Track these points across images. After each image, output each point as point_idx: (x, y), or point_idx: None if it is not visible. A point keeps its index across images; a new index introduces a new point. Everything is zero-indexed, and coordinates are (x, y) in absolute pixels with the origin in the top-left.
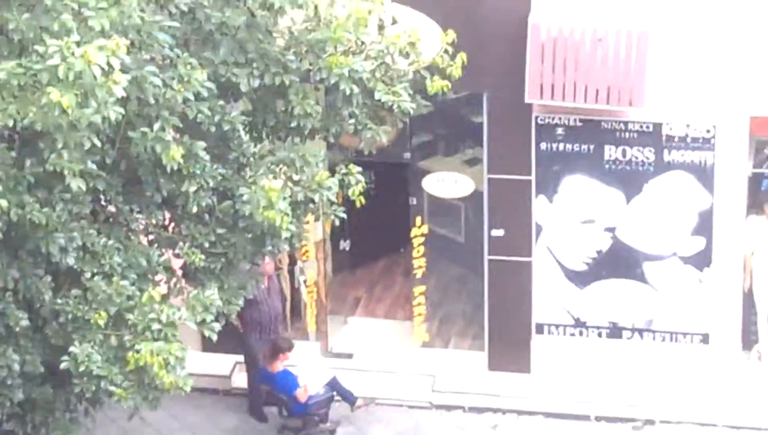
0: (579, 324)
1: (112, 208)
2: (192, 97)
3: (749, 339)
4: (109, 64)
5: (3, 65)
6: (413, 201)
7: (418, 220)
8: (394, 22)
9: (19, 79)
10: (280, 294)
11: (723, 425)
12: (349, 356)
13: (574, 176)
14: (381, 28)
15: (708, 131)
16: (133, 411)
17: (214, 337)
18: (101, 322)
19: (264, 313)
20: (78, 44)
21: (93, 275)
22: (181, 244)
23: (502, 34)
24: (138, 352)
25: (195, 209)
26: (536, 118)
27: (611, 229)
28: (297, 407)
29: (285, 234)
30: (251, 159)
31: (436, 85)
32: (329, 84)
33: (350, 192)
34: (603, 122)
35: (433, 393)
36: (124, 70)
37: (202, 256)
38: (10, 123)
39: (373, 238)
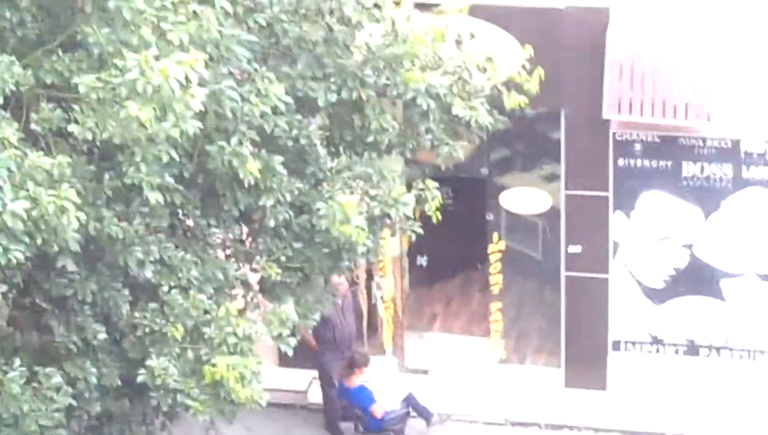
0: (656, 341)
1: (189, 222)
2: (269, 112)
3: None
4: (187, 78)
5: (82, 79)
6: (490, 217)
7: (495, 236)
8: (472, 37)
9: (98, 92)
10: (354, 312)
11: None
12: (425, 372)
13: (651, 192)
14: (458, 43)
15: None
16: (209, 425)
17: (290, 352)
18: (178, 336)
19: (338, 331)
20: (156, 58)
21: (170, 289)
22: (257, 258)
23: (580, 50)
24: (214, 365)
25: (272, 223)
26: (614, 134)
27: (689, 246)
28: (373, 423)
29: (361, 249)
30: (328, 174)
31: (513, 100)
32: (406, 99)
33: (426, 207)
34: (681, 138)
35: (509, 409)
36: (202, 84)
37: (279, 271)
38: (89, 136)
39: (450, 254)
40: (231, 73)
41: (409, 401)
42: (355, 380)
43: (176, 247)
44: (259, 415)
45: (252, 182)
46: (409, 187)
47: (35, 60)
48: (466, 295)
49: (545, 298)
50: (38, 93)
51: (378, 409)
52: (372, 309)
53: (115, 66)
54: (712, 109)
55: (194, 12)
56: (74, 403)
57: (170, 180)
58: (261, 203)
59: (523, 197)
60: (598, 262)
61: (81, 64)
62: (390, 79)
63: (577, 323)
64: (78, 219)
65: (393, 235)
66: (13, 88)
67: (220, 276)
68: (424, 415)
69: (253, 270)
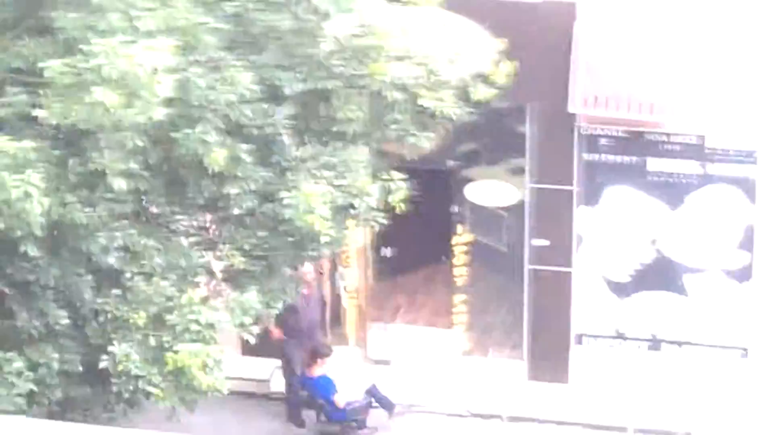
0: (619, 335)
1: (153, 209)
2: (236, 100)
3: None
4: (154, 64)
5: (49, 64)
6: (455, 209)
7: (460, 228)
8: (442, 28)
9: (65, 77)
10: (320, 302)
11: None
12: (388, 363)
13: (616, 187)
14: (428, 34)
15: (751, 144)
16: (171, 412)
17: (252, 340)
18: (141, 323)
19: (302, 320)
20: (124, 44)
21: (133, 275)
22: (221, 246)
23: (546, 45)
24: (176, 353)
25: (237, 212)
26: (579, 128)
27: (653, 241)
28: (335, 413)
29: (325, 239)
30: (293, 163)
31: (481, 93)
32: (373, 90)
33: (391, 198)
34: (646, 134)
35: (471, 401)
36: (170, 71)
37: (243, 259)
38: (55, 121)
39: (415, 246)
40: (198, 61)
41: (372, 392)
42: (318, 370)
43: (140, 233)
44: (221, 403)
45: (217, 170)
46: (374, 178)
47: (2, 44)
48: (430, 287)
49: (509, 291)
50: (4, 77)
51: (340, 399)
52: (336, 299)
53: (82, 51)
54: (678, 106)
55: None
56: (35, 388)
57: (135, 166)
58: (226, 191)
59: (489, 190)
60: (563, 255)
61: (48, 49)
62: (357, 69)
63: (540, 316)
64: (42, 204)
65: (358, 225)
66: None
67: (184, 263)
68: (387, 405)
69: (217, 258)
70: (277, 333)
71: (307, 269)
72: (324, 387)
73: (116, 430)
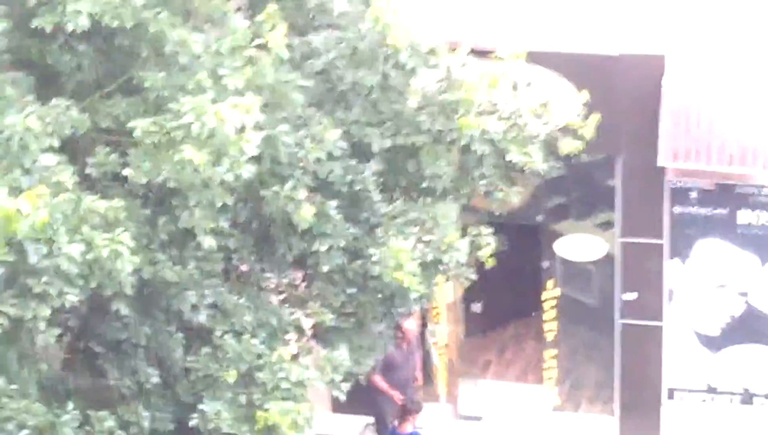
0: (711, 390)
1: (243, 267)
2: (324, 157)
3: None
4: (242, 122)
5: (138, 123)
6: (545, 264)
7: (550, 283)
8: (528, 83)
9: (153, 136)
10: (419, 358)
11: None
12: (479, 419)
13: (707, 240)
14: (514, 88)
15: None
16: None
17: (343, 397)
18: (231, 380)
19: (400, 375)
20: (212, 102)
21: (223, 333)
22: (311, 303)
23: (635, 96)
24: (267, 410)
25: (325, 269)
26: (669, 181)
27: (744, 294)
28: None
29: (414, 295)
30: (382, 219)
31: (568, 146)
32: (461, 144)
33: (481, 253)
34: (737, 186)
35: None
36: (258, 128)
37: (332, 316)
38: (144, 180)
39: (505, 301)
40: (286, 118)
41: None
42: (408, 426)
43: (230, 291)
44: None
45: (306, 227)
46: (463, 233)
47: (92, 104)
48: (520, 343)
49: (600, 345)
50: (94, 137)
51: None
52: (426, 356)
53: (171, 110)
54: None
55: (250, 57)
56: None
57: (224, 224)
58: (315, 248)
59: (578, 244)
60: (653, 309)
61: (137, 108)
62: (445, 124)
63: (631, 371)
64: (132, 263)
65: (447, 281)
66: (70, 132)
67: (274, 321)
68: None
69: (307, 315)
70: (380, 382)
71: (410, 325)
72: None
73: None
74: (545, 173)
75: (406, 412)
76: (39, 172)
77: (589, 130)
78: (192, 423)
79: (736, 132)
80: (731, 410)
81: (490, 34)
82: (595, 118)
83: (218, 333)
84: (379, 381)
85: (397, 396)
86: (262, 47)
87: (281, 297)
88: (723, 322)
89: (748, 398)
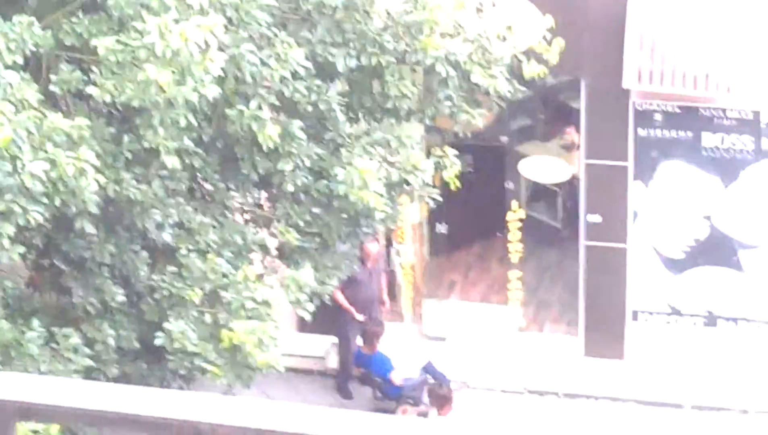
0: (674, 311)
1: (208, 186)
2: (289, 76)
3: None
4: (206, 42)
5: (102, 41)
6: (510, 185)
7: (515, 204)
8: (493, 5)
9: (117, 55)
10: (380, 277)
11: None
12: (444, 340)
13: (671, 162)
14: (479, 11)
15: None
16: (226, 389)
17: (308, 317)
18: (196, 300)
19: (361, 293)
20: (176, 21)
21: (188, 252)
22: (276, 223)
23: (600, 20)
24: (232, 330)
25: (291, 188)
26: (634, 104)
27: (708, 217)
28: (391, 390)
29: (379, 215)
30: (347, 139)
31: (532, 69)
32: (426, 65)
33: (445, 174)
34: (701, 109)
35: (527, 378)
36: (222, 48)
37: (297, 236)
38: (108, 99)
39: (470, 222)
40: (250, 38)
41: (428, 369)
42: (373, 348)
43: (195, 210)
44: (276, 380)
45: (271, 147)
46: (428, 154)
47: (55, 21)
48: (485, 263)
49: (564, 267)
50: (58, 54)
51: (397, 377)
52: (391, 276)
53: (135, 29)
54: (733, 80)
55: None
56: (92, 364)
57: (189, 143)
58: (280, 168)
59: (543, 166)
60: (617, 231)
61: (101, 26)
62: (410, 45)
63: (596, 292)
64: (97, 181)
65: (412, 201)
66: (33, 50)
67: (239, 240)
68: (442, 382)
69: (272, 235)
70: (342, 299)
71: (373, 246)
72: (380, 364)
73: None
74: (510, 96)
75: (372, 334)
76: (2, 88)
77: (553, 54)
78: (157, 342)
79: (701, 55)
80: (694, 332)
81: None
82: (559, 42)
83: (183, 251)
84: (341, 298)
85: (357, 314)
86: None
87: (246, 216)
88: (686, 245)
89: (711, 320)
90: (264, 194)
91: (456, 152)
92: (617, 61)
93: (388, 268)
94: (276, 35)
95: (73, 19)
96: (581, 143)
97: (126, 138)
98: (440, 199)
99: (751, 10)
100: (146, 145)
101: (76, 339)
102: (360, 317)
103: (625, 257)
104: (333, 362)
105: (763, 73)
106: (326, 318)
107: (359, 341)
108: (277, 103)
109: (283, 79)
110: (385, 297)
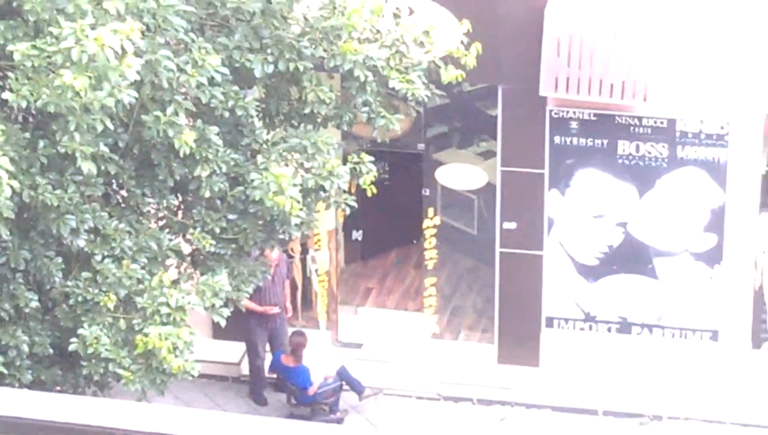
0: (589, 318)
1: (123, 192)
2: (206, 82)
3: (759, 337)
4: (122, 47)
5: (18, 46)
6: (426, 192)
7: (431, 211)
8: (410, 11)
9: (33, 60)
10: (283, 282)
11: (731, 422)
12: (359, 346)
13: (587, 170)
14: (396, 16)
15: (722, 128)
16: (140, 395)
17: (223, 323)
18: (110, 305)
19: (266, 300)
20: (92, 27)
21: (103, 258)
22: (191, 229)
23: (517, 27)
24: (146, 335)
25: (207, 194)
26: (550, 111)
27: (623, 224)
28: (306, 397)
29: (295, 220)
30: (264, 145)
31: (450, 74)
32: (343, 71)
33: (362, 181)
34: (617, 117)
35: (442, 385)
36: (138, 53)
37: (213, 242)
38: (24, 104)
39: (386, 229)
40: (167, 43)
41: (342, 375)
42: (299, 359)
43: (110, 216)
44: (191, 386)
45: (187, 152)
46: (344, 161)
47: None
48: (400, 270)
49: (480, 274)
50: None
51: (313, 389)
52: (306, 282)
53: (51, 34)
54: (648, 88)
55: None
56: (5, 371)
57: (105, 149)
58: (196, 174)
59: (459, 173)
60: (533, 239)
61: (16, 31)
62: (327, 50)
63: (511, 299)
64: (11, 186)
65: (328, 208)
66: None
67: (154, 246)
68: (357, 388)
69: (187, 241)
70: (251, 304)
71: (273, 253)
72: (301, 377)
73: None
74: (427, 101)
75: (299, 346)
76: None
77: (470, 59)
78: (71, 347)
79: (618, 62)
80: (609, 339)
81: None
82: (477, 46)
83: (98, 257)
84: (248, 303)
85: (270, 310)
86: None
87: (161, 223)
88: (601, 252)
89: (625, 327)
90: (180, 200)
91: (372, 159)
92: (534, 68)
93: (290, 274)
94: (193, 41)
95: None
96: (497, 150)
97: (41, 143)
98: (356, 205)
99: (667, 18)
100: (62, 150)
101: None
102: (275, 310)
103: (541, 264)
104: (247, 368)
105: (679, 81)
106: (241, 325)
107: (287, 351)
108: (193, 109)
109: (200, 85)
110: (289, 304)
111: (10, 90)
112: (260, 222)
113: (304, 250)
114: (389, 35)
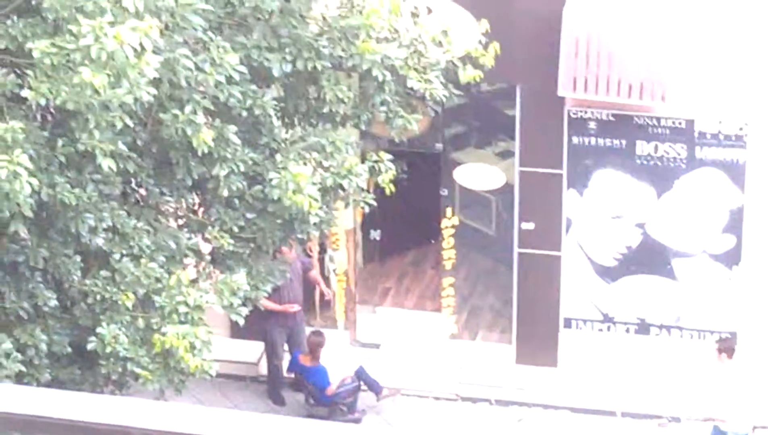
0: (607, 319)
1: (142, 191)
2: (224, 81)
3: None
4: (141, 45)
5: (37, 44)
6: (444, 192)
7: (449, 211)
8: (429, 11)
9: (53, 58)
10: (301, 281)
11: (753, 425)
12: (377, 346)
13: (605, 171)
14: (414, 16)
15: (740, 128)
16: (158, 394)
17: (241, 322)
18: (129, 304)
19: (285, 298)
20: (111, 24)
21: (122, 257)
22: (210, 228)
23: (536, 27)
24: (164, 334)
25: (225, 193)
26: (569, 111)
27: (641, 225)
28: (324, 397)
29: (313, 219)
30: (282, 144)
31: (468, 74)
32: (362, 70)
33: (380, 179)
34: (635, 117)
35: (460, 385)
36: (157, 51)
37: (231, 241)
38: (43, 102)
39: (404, 229)
40: (186, 42)
41: (360, 375)
42: (316, 360)
43: (128, 214)
44: (209, 386)
45: (205, 151)
46: (362, 159)
47: None
48: (418, 270)
49: (498, 274)
50: None
51: (331, 389)
52: (325, 282)
53: (70, 32)
54: (667, 89)
55: None
56: (24, 369)
57: (123, 147)
58: (214, 173)
59: (478, 173)
60: (551, 239)
61: (35, 29)
62: (345, 50)
63: (529, 300)
64: (30, 184)
65: (346, 206)
66: None
67: (172, 245)
68: (374, 388)
69: (206, 240)
70: (268, 303)
71: (285, 249)
72: (319, 378)
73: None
74: (446, 101)
75: (317, 346)
76: None
77: (488, 58)
78: (90, 346)
79: (636, 63)
80: (627, 340)
81: None
82: (495, 46)
83: (116, 256)
84: (267, 303)
85: (291, 307)
86: None
87: (180, 221)
88: (619, 253)
89: (643, 328)
90: (198, 199)
91: (391, 157)
92: (552, 68)
93: (323, 274)
94: (211, 40)
95: (8, 22)
96: (516, 151)
97: (60, 141)
98: (375, 203)
99: (685, 18)
100: (81, 148)
101: (7, 344)
102: (295, 308)
103: (559, 265)
104: (266, 368)
105: (697, 82)
106: (259, 324)
107: (305, 350)
108: (212, 107)
109: (218, 83)
110: (325, 288)
111: (29, 88)
112: (279, 221)
113: (323, 250)
114: (407, 35)
